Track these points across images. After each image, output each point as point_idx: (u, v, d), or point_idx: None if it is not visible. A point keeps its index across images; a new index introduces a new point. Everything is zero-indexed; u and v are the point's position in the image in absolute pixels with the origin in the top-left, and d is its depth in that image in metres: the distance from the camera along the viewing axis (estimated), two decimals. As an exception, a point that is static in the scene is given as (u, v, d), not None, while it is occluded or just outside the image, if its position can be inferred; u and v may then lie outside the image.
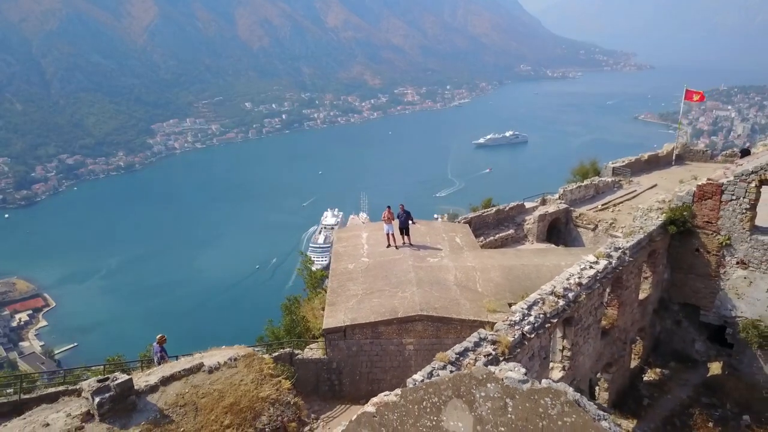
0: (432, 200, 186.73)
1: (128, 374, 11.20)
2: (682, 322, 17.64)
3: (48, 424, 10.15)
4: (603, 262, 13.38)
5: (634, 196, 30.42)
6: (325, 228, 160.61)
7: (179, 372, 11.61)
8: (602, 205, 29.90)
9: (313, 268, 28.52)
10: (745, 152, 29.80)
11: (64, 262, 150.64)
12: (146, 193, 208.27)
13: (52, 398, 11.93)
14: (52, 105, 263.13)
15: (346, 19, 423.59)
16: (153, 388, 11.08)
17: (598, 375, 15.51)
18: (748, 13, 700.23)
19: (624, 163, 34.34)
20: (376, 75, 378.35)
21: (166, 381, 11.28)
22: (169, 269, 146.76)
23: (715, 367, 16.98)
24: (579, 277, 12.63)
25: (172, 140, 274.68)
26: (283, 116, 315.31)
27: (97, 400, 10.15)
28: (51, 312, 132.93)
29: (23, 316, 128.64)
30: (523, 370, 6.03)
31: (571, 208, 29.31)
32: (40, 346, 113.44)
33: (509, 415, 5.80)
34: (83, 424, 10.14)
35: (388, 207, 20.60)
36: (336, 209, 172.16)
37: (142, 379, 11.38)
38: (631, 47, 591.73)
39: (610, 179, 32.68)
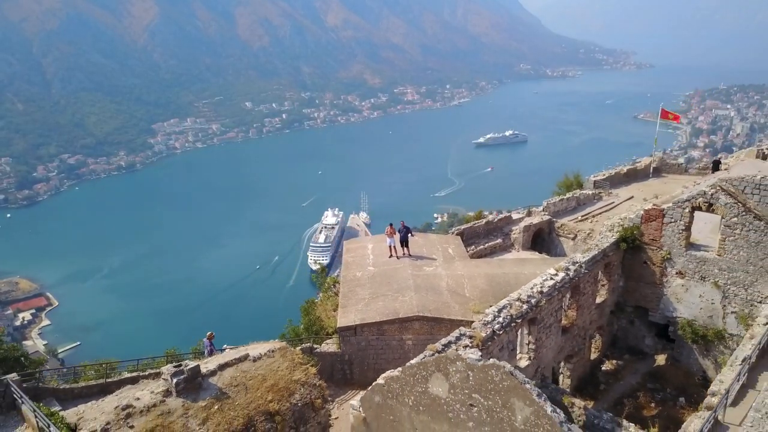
0: (432, 200, 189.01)
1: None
2: (634, 322, 21.24)
3: (138, 398, 13.61)
4: (561, 275, 16.85)
5: (611, 208, 32.80)
6: (325, 227, 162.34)
7: (231, 361, 15.16)
8: (582, 216, 32.54)
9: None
10: (716, 165, 32.53)
11: (67, 262, 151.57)
12: (147, 193, 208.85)
13: (131, 381, 15.37)
14: (53, 105, 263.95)
15: (346, 18, 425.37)
16: (213, 373, 14.59)
17: (561, 364, 19.03)
18: (748, 12, 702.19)
19: (604, 177, 37.00)
20: (376, 74, 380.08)
21: (222, 367, 14.81)
22: (171, 268, 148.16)
23: (661, 359, 20.55)
24: (541, 287, 16.09)
25: (172, 140, 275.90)
26: (284, 116, 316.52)
27: (174, 380, 13.64)
28: (54, 311, 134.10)
29: (26, 315, 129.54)
30: (479, 353, 9.48)
31: (554, 219, 32.04)
32: (44, 345, 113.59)
33: (470, 382, 9.29)
34: (164, 398, 13.61)
35: (390, 224, 24.16)
36: (336, 209, 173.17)
37: (203, 366, 14.83)
38: (630, 46, 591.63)
39: (590, 192, 35.17)
